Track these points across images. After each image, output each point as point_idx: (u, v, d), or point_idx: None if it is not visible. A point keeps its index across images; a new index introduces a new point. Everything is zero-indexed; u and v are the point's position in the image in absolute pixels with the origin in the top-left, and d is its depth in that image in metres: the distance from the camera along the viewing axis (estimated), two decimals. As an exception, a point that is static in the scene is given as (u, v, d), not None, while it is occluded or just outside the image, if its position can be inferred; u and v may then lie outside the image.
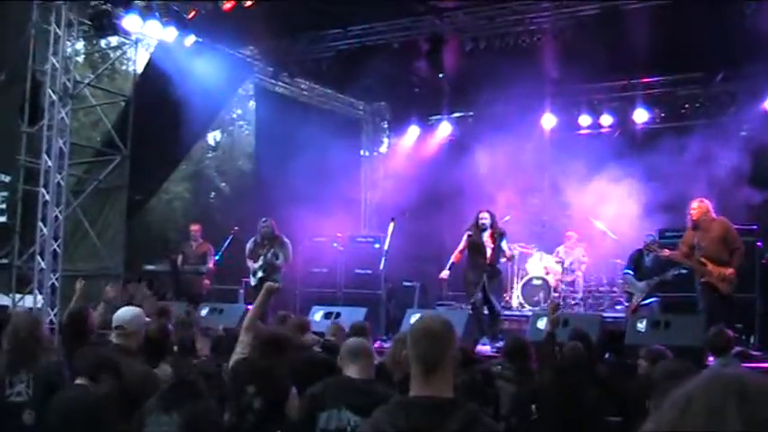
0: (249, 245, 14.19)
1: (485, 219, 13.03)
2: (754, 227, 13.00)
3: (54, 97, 13.80)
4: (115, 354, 5.74)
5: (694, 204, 11.33)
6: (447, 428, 3.00)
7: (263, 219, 14.18)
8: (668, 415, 1.62)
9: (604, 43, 14.48)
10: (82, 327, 6.50)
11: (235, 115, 29.18)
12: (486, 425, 3.11)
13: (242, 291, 15.60)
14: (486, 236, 12.88)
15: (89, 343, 6.11)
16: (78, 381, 5.23)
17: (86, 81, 15.42)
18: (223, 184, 27.83)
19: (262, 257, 13.86)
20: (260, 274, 13.81)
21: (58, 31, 13.87)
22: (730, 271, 10.92)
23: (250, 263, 14.09)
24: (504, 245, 13.06)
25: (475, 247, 12.95)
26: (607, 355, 10.56)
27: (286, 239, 14.22)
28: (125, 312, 6.40)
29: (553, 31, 14.47)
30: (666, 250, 11.73)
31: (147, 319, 6.94)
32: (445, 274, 13.17)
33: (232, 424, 5.35)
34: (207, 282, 14.96)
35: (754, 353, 10.69)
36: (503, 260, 13.23)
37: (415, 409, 3.09)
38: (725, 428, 1.53)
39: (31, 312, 9.95)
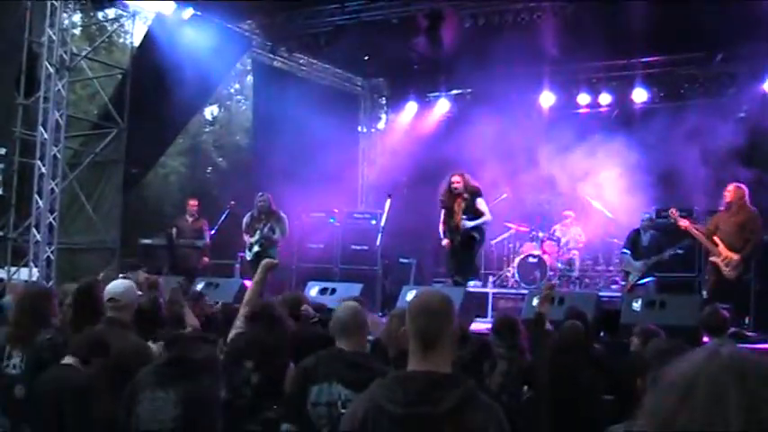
0: (246, 219, 14.15)
1: (456, 182, 12.81)
2: (754, 209, 12.99)
3: (51, 69, 13.75)
4: (108, 327, 5.72)
5: (730, 187, 11.42)
6: (444, 404, 3.00)
7: (260, 193, 14.14)
8: (668, 399, 1.60)
9: (604, 22, 14.41)
10: (91, 302, 6.46)
11: (232, 90, 29.09)
12: (483, 401, 3.11)
13: (238, 265, 15.59)
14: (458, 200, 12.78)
15: (99, 320, 6.06)
16: (68, 360, 5.20)
17: (83, 53, 15.34)
18: (220, 159, 27.77)
19: (258, 232, 13.83)
20: (256, 248, 13.79)
21: (54, 2, 13.80)
22: (737, 257, 10.98)
23: (246, 237, 14.06)
24: (479, 204, 12.82)
25: (447, 213, 12.88)
26: (602, 334, 10.56)
27: (283, 214, 14.17)
28: (117, 285, 6.37)
29: (552, 8, 14.41)
30: (686, 221, 11.82)
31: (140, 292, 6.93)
32: (446, 242, 13.08)
33: (228, 399, 5.33)
34: (206, 259, 14.92)
35: (750, 333, 10.71)
36: (482, 220, 12.92)
37: (412, 383, 3.09)
38: (727, 414, 1.52)
39: (44, 286, 9.87)
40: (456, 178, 12.86)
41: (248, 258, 14.05)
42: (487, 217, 12.86)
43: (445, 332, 3.20)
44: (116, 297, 6.07)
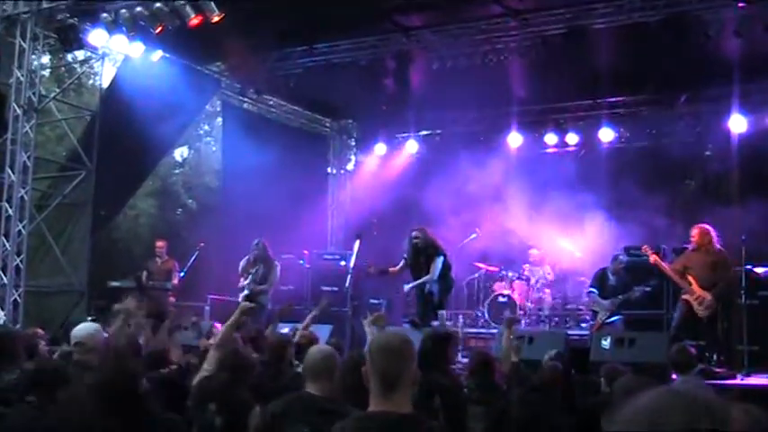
0: (242, 263, 14.32)
1: (416, 238, 13.23)
2: (724, 250, 13.12)
3: (18, 111, 13.71)
4: (76, 370, 5.69)
5: (695, 231, 11.58)
6: (405, 444, 3.00)
7: (256, 240, 14.31)
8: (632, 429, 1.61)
9: (570, 63, 14.57)
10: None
11: (202, 131, 29.01)
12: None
13: (207, 307, 15.49)
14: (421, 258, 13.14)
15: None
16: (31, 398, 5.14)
17: (52, 95, 15.31)
18: (190, 200, 27.65)
19: (250, 276, 14.04)
20: (246, 291, 14.02)
21: (23, 44, 13.79)
22: (709, 296, 11.10)
23: (241, 280, 14.24)
24: (435, 263, 13.09)
25: (411, 270, 13.36)
26: (573, 372, 10.58)
27: (276, 263, 14.45)
28: (83, 329, 6.34)
29: (519, 50, 14.55)
30: (655, 256, 11.94)
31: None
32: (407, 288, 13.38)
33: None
34: (171, 299, 14.85)
35: (718, 370, 10.76)
36: (421, 280, 13.22)
37: (373, 424, 3.09)
38: None
39: (8, 328, 9.78)
40: (415, 233, 13.19)
41: (239, 301, 14.10)
42: (433, 276, 13.02)
43: (406, 373, 3.21)
44: (82, 340, 6.03)
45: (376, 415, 3.15)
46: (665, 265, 11.81)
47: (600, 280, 13.41)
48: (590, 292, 13.73)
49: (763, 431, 1.65)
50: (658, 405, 1.62)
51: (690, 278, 11.31)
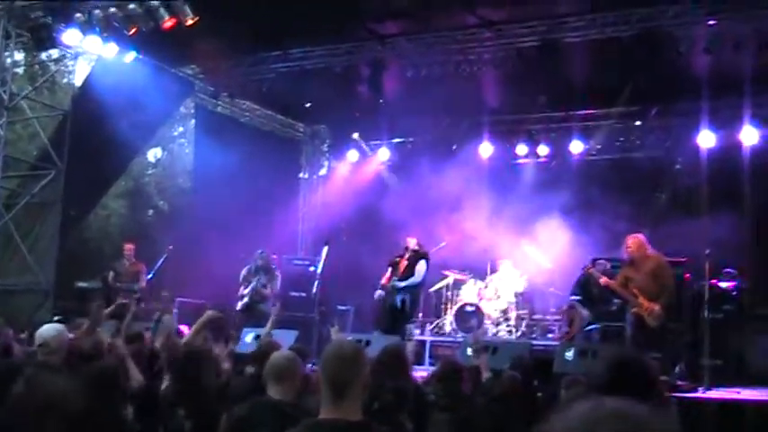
0: (243, 272, 14.66)
1: (407, 242, 13.52)
2: (683, 259, 13.24)
3: (-11, 109, 13.65)
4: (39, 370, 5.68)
5: (629, 240, 11.52)
6: (355, 451, 3.04)
7: (260, 251, 14.72)
8: None
9: (543, 75, 14.68)
10: None
11: (176, 133, 28.98)
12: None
13: (175, 310, 15.44)
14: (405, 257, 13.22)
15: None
16: None
17: (24, 93, 15.24)
18: (162, 201, 27.58)
19: (251, 284, 14.33)
20: (246, 300, 14.35)
21: (-5, 42, 13.74)
22: (657, 307, 11.11)
23: (241, 288, 14.50)
24: (419, 265, 13.28)
25: (391, 269, 13.45)
26: (535, 383, 10.64)
27: (278, 272, 14.88)
28: (48, 330, 6.33)
29: (493, 61, 14.65)
30: (604, 278, 11.92)
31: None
32: (378, 293, 13.45)
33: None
34: (142, 305, 14.75)
35: (679, 383, 10.85)
36: (409, 281, 13.38)
37: (324, 431, 3.13)
38: None
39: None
40: (410, 239, 13.44)
41: (237, 308, 14.48)
42: (416, 278, 13.15)
43: (355, 380, 3.25)
44: (46, 342, 6.03)
45: (326, 422, 3.19)
46: (613, 284, 11.78)
47: (584, 287, 13.51)
48: (572, 297, 13.82)
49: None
50: (587, 418, 1.65)
51: (635, 291, 11.29)
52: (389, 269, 13.60)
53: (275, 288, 14.63)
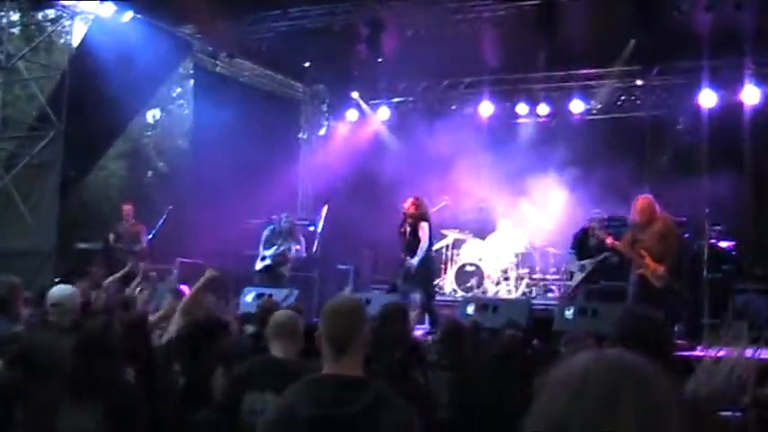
0: (266, 232, 14.59)
1: (405, 207, 12.93)
2: (683, 219, 13.23)
3: (-14, 69, 13.59)
4: (49, 331, 5.76)
5: (639, 201, 11.51)
6: (354, 406, 3.06)
7: (286, 214, 14.74)
8: (561, 392, 1.65)
9: (543, 34, 14.59)
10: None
11: (175, 94, 28.87)
12: (395, 405, 3.17)
13: (176, 270, 15.48)
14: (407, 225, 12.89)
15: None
16: None
17: (21, 54, 15.15)
18: (161, 163, 27.56)
19: (275, 247, 14.30)
20: (268, 261, 14.30)
21: (-9, 2, 13.64)
22: (662, 269, 11.13)
23: (261, 249, 14.46)
24: (420, 228, 12.75)
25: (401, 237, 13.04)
26: (535, 342, 10.69)
27: (301, 237, 14.80)
28: (62, 290, 6.39)
29: (493, 19, 14.57)
30: (610, 238, 11.93)
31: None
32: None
33: (156, 401, 5.32)
34: (141, 264, 14.77)
35: (678, 341, 10.89)
36: (420, 251, 12.71)
37: (324, 387, 3.15)
38: (619, 408, 1.58)
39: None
40: (405, 204, 12.95)
41: (257, 268, 14.44)
42: (423, 244, 12.76)
43: (355, 336, 3.26)
44: (60, 302, 6.08)
45: (327, 377, 3.21)
46: (619, 245, 11.80)
47: (580, 241, 13.57)
48: (569, 252, 13.88)
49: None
50: (586, 366, 1.66)
51: (641, 251, 11.30)
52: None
53: (301, 252, 14.57)
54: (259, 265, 14.37)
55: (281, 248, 14.22)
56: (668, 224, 11.45)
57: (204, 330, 5.95)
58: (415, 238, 12.63)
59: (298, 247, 14.43)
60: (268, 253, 14.29)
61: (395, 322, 6.50)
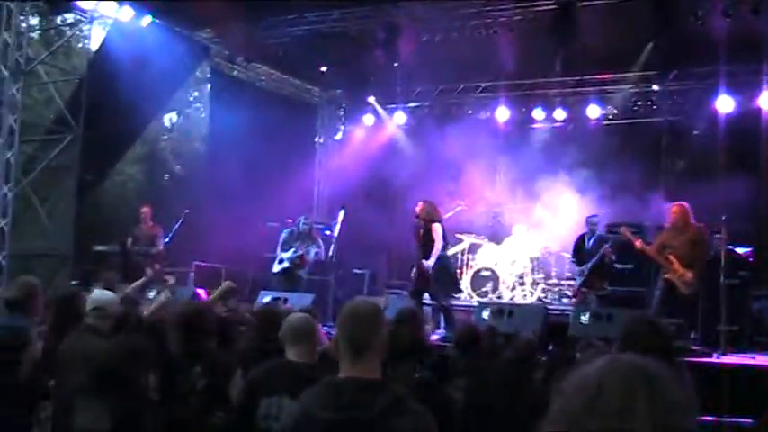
0: (284, 235, 14.51)
1: (417, 211, 12.88)
2: (701, 225, 13.19)
3: (6, 73, 13.66)
4: (84, 333, 5.87)
5: (674, 207, 11.61)
6: (373, 409, 3.07)
7: (305, 216, 14.66)
8: (578, 398, 1.67)
9: (559, 38, 14.57)
10: (73, 311, 6.50)
11: (192, 98, 28.94)
12: (411, 407, 3.18)
13: (192, 274, 15.54)
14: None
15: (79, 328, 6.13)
16: None
17: (40, 58, 15.25)
18: (178, 166, 27.64)
19: (293, 250, 14.22)
20: (286, 264, 14.24)
21: (10, 5, 13.73)
22: (690, 275, 11.16)
23: (279, 250, 14.41)
24: (433, 230, 12.64)
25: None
26: (550, 347, 10.68)
27: (320, 240, 14.73)
28: (104, 294, 6.45)
29: (509, 24, 14.57)
30: (639, 241, 11.97)
31: None
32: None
33: (174, 404, 5.34)
34: (156, 265, 14.82)
35: (694, 348, 10.87)
36: (434, 254, 12.59)
37: (342, 390, 3.17)
38: (635, 412, 1.60)
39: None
40: (416, 207, 12.92)
41: (274, 271, 14.41)
42: (437, 245, 12.67)
43: (373, 339, 3.28)
44: (104, 306, 6.16)
45: (344, 381, 3.23)
46: (648, 250, 11.84)
47: (578, 246, 13.59)
48: (572, 261, 13.92)
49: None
50: (602, 371, 1.68)
51: (670, 257, 11.36)
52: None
53: (320, 253, 14.55)
54: (276, 268, 14.33)
55: (299, 251, 14.17)
56: (702, 233, 11.53)
57: (221, 333, 5.99)
58: (429, 241, 12.63)
59: (317, 249, 14.40)
60: (286, 255, 14.26)
61: (410, 326, 6.51)
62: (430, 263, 12.52)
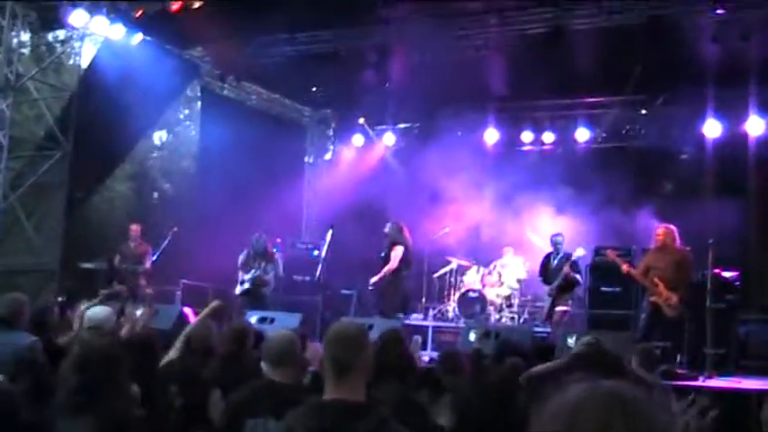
0: (242, 257, 14.30)
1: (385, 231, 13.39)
2: (687, 248, 13.22)
3: (-5, 89, 13.66)
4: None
5: (660, 228, 11.69)
6: (357, 431, 3.07)
7: (257, 234, 14.35)
8: (555, 423, 1.67)
9: (548, 61, 14.64)
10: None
11: (182, 116, 28.91)
12: (395, 429, 3.18)
13: (179, 292, 15.50)
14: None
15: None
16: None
17: (30, 74, 15.25)
18: (167, 184, 27.58)
19: (253, 270, 14.06)
20: (247, 285, 14.08)
21: (2, 21, 13.74)
22: (675, 298, 11.21)
23: (240, 273, 14.24)
24: (393, 251, 13.16)
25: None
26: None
27: (278, 256, 14.63)
28: (100, 311, 6.43)
29: (500, 47, 14.63)
30: (626, 265, 12.03)
31: None
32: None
33: (153, 423, 5.30)
34: (144, 282, 14.78)
35: (680, 371, 10.89)
36: (381, 273, 13.23)
37: (327, 411, 3.17)
38: None
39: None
40: (385, 228, 13.38)
41: (237, 293, 14.22)
42: (390, 265, 13.15)
43: (358, 361, 3.28)
44: (101, 324, 6.14)
45: (329, 402, 3.23)
46: (634, 273, 11.89)
47: (544, 266, 13.71)
48: (539, 281, 14.07)
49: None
50: (581, 397, 1.69)
51: (656, 279, 11.40)
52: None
53: (279, 273, 14.52)
54: (239, 290, 14.16)
55: (258, 272, 14.11)
56: (687, 256, 11.62)
57: (199, 356, 5.98)
58: (388, 261, 13.01)
59: (271, 274, 14.27)
60: (247, 277, 14.15)
61: (394, 348, 6.51)
62: (373, 280, 13.17)
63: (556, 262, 13.53)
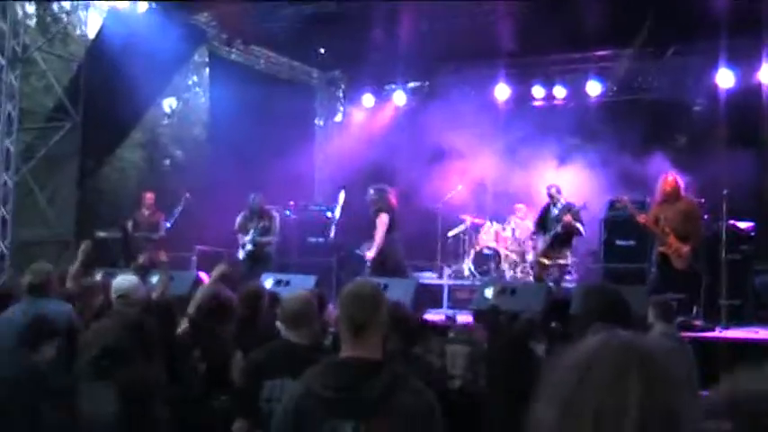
0: (239, 219, 14.19)
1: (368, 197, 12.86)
2: (702, 200, 13.17)
3: (3, 61, 13.63)
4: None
5: (666, 177, 11.57)
6: (375, 388, 3.08)
7: (252, 194, 14.23)
8: (570, 374, 1.67)
9: (558, 15, 14.52)
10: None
11: (190, 82, 28.81)
12: (413, 386, 3.20)
13: (194, 258, 15.55)
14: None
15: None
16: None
17: (37, 45, 15.22)
18: (179, 151, 27.57)
19: (252, 231, 13.96)
20: (249, 247, 13.96)
21: (7, -6, 13.70)
22: (686, 248, 11.15)
23: (240, 236, 14.16)
24: (378, 221, 12.64)
25: None
26: (553, 324, 10.67)
27: (274, 213, 14.42)
28: (128, 281, 6.45)
29: (508, 1, 14.51)
30: (642, 216, 11.95)
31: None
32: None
33: (176, 388, 5.33)
34: (161, 252, 14.77)
35: (696, 322, 10.88)
36: (375, 246, 12.71)
37: (343, 369, 3.18)
38: (627, 390, 1.60)
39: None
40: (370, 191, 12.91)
41: (240, 257, 14.08)
42: (378, 235, 12.65)
43: (374, 319, 3.29)
44: (128, 293, 6.15)
45: (345, 360, 3.25)
46: (649, 223, 11.81)
47: (541, 217, 13.68)
48: (534, 232, 14.05)
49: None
50: (596, 349, 1.68)
51: (667, 229, 11.33)
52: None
53: (275, 231, 14.31)
54: (242, 254, 14.01)
55: (258, 233, 13.99)
56: (693, 205, 11.51)
57: (216, 315, 5.98)
58: (374, 230, 12.64)
59: (271, 236, 14.17)
60: (247, 239, 14.02)
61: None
62: (370, 255, 12.67)
63: (557, 212, 13.41)
